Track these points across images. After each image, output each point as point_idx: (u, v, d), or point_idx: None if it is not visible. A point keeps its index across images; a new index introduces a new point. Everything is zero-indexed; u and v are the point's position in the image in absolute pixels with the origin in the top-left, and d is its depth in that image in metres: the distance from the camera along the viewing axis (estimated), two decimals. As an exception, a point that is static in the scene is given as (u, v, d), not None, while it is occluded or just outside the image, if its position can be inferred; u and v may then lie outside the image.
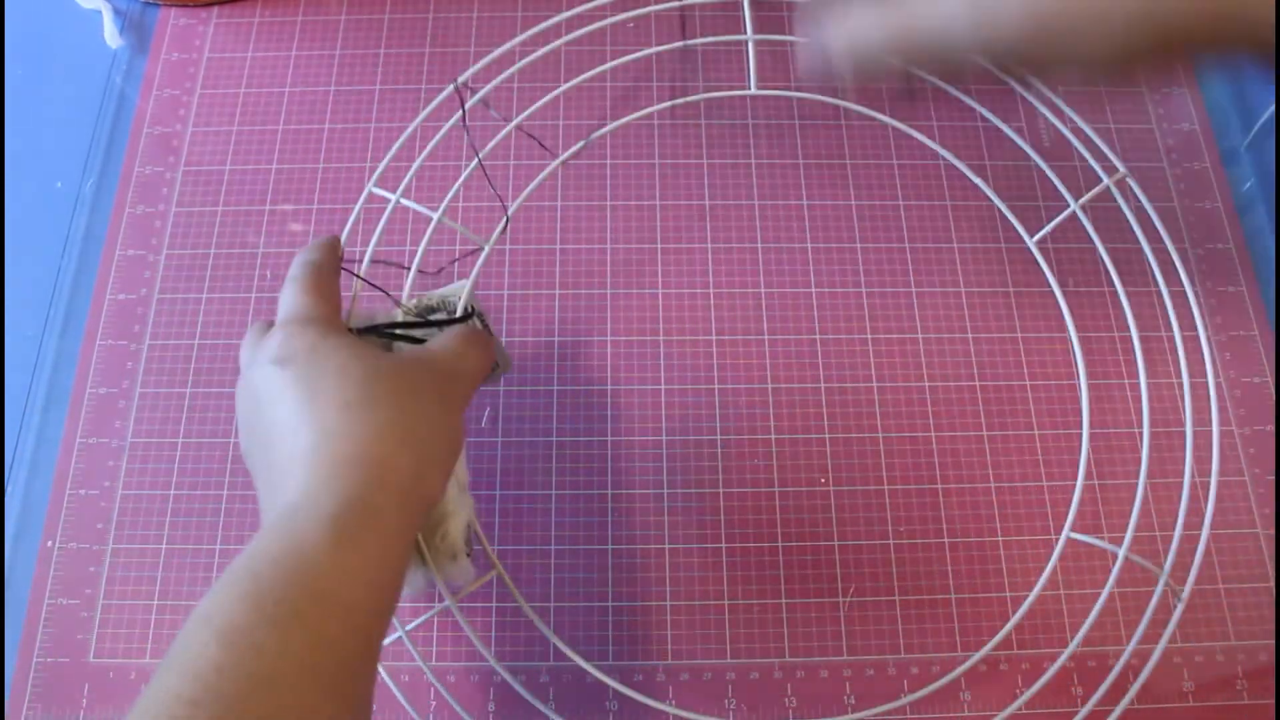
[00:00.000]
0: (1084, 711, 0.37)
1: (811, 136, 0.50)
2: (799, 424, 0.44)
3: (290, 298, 0.31)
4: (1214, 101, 0.52)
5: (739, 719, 0.39)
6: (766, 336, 0.46)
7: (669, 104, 0.41)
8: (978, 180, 0.44)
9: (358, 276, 0.35)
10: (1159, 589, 0.37)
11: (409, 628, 0.36)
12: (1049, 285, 0.42)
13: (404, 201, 0.37)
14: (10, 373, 0.45)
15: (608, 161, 0.49)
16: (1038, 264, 0.43)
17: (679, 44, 0.38)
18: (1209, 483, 0.39)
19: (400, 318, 0.35)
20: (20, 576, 0.41)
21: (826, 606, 0.41)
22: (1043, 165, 0.42)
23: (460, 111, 0.36)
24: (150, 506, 0.43)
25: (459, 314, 0.35)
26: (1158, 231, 0.41)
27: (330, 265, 0.33)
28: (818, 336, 0.46)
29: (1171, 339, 0.46)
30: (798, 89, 0.45)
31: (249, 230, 0.48)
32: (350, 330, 0.33)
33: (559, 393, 0.45)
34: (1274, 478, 0.43)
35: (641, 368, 0.45)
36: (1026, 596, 0.40)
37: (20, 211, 0.49)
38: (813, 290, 0.47)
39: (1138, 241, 0.41)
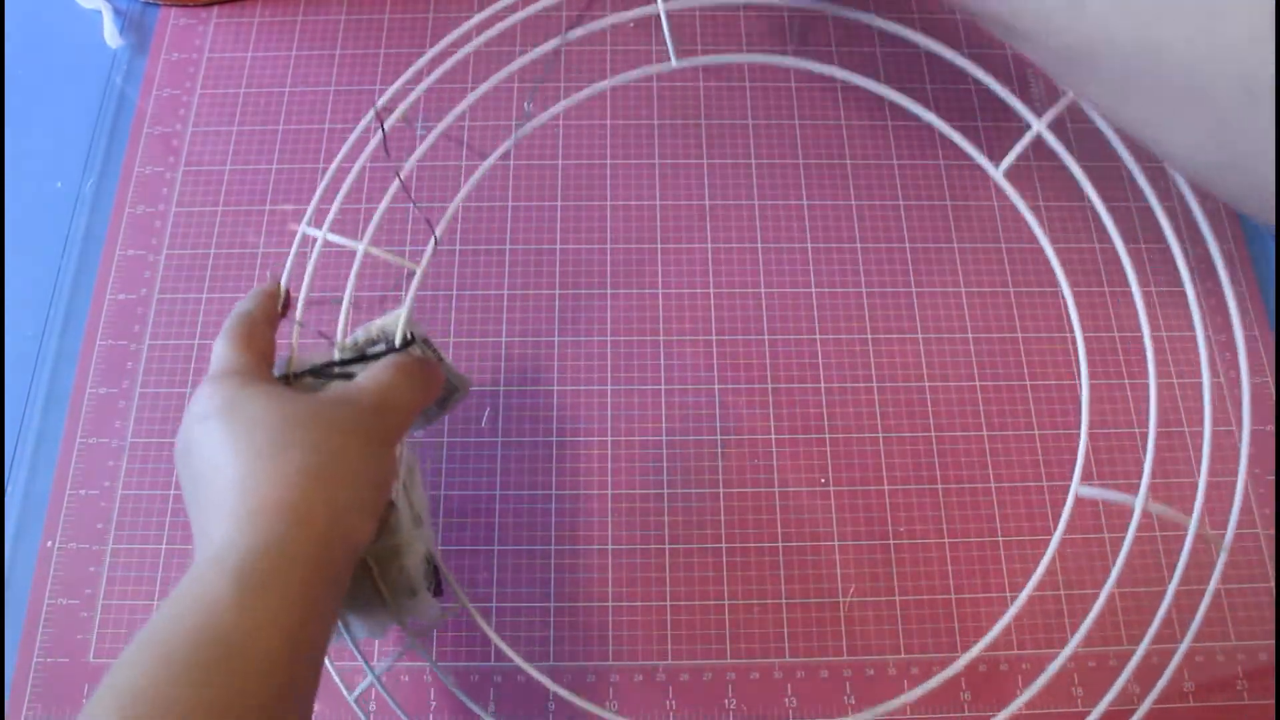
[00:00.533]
0: (1100, 708, 0.37)
1: (811, 136, 0.50)
2: (799, 424, 0.44)
3: (217, 350, 0.32)
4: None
5: (739, 719, 0.39)
6: (766, 336, 0.46)
7: (601, 85, 0.37)
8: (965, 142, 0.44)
9: (297, 323, 0.35)
10: (1188, 541, 0.36)
11: (378, 672, 0.36)
12: (1050, 285, 0.42)
13: (330, 236, 0.36)
14: (10, 373, 0.45)
15: (608, 161, 0.49)
16: (1044, 266, 0.43)
17: (556, 40, 0.36)
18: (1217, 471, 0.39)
19: (337, 356, 0.34)
20: (20, 576, 0.41)
21: (826, 606, 0.41)
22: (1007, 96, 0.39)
23: (379, 133, 0.35)
24: (150, 506, 0.43)
25: (397, 343, 0.34)
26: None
27: (263, 314, 0.33)
28: (818, 336, 0.46)
29: (1172, 338, 0.46)
30: (721, 53, 0.43)
31: (249, 230, 0.48)
32: (286, 377, 0.33)
33: (559, 393, 0.45)
34: (1274, 478, 0.43)
35: (641, 368, 0.45)
36: (1027, 596, 0.40)
37: (20, 211, 0.49)
38: (813, 290, 0.47)
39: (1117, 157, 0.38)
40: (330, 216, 0.36)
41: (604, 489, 0.43)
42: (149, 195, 0.49)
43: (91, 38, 0.53)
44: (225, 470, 0.27)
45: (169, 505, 0.43)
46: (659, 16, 0.35)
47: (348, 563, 0.28)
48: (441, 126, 0.36)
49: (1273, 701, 0.40)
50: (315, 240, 0.36)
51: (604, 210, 0.48)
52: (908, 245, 0.48)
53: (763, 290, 0.47)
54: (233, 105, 0.51)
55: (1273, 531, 0.42)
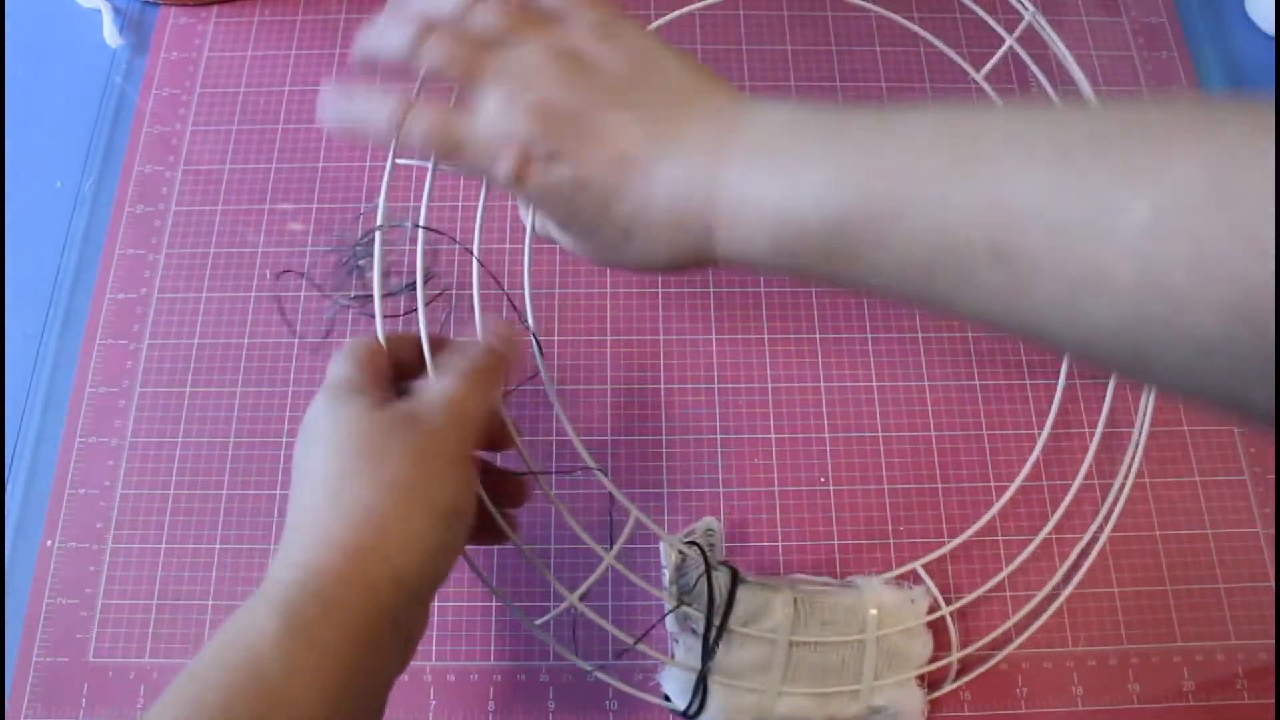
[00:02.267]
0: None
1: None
2: (799, 424, 0.44)
3: (331, 364, 0.30)
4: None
5: (739, 719, 0.39)
6: (766, 336, 0.46)
7: None
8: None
9: (419, 226, 0.32)
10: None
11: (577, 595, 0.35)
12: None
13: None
14: (10, 372, 0.45)
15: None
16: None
17: None
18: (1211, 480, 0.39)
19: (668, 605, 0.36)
20: (20, 576, 0.41)
21: (826, 606, 0.41)
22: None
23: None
24: (150, 506, 0.43)
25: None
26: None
27: (378, 345, 0.31)
28: (818, 336, 0.46)
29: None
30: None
31: (249, 230, 0.48)
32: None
33: (559, 393, 0.45)
34: (1274, 478, 0.43)
35: (641, 368, 0.45)
36: (1026, 596, 0.40)
37: (20, 211, 0.49)
38: (813, 290, 0.47)
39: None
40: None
41: (604, 488, 0.43)
42: (149, 195, 0.49)
43: (91, 37, 0.53)
44: (304, 493, 0.27)
45: (168, 504, 0.43)
46: None
47: (408, 604, 0.27)
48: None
49: (1273, 701, 0.40)
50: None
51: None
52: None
53: (763, 290, 0.47)
54: (232, 105, 0.51)
55: (1273, 531, 0.42)
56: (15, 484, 0.43)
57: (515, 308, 0.35)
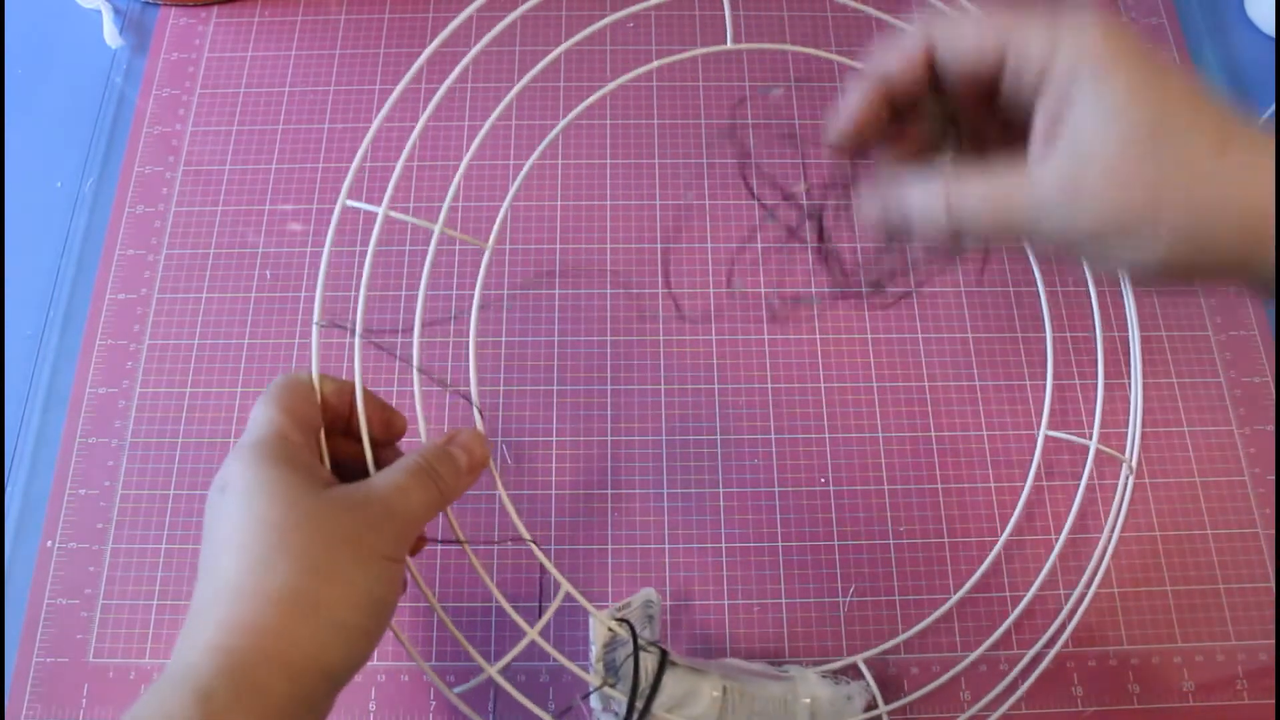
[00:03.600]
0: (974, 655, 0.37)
1: (812, 136, 0.50)
2: (799, 424, 0.44)
3: (254, 412, 0.29)
4: (1214, 101, 0.52)
5: (739, 719, 0.39)
6: (767, 336, 0.46)
7: (646, 67, 0.37)
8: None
9: (316, 323, 0.32)
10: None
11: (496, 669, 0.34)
12: (1048, 284, 0.42)
13: (393, 214, 0.33)
14: (10, 372, 0.45)
15: (608, 162, 0.49)
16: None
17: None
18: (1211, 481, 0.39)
19: (593, 682, 0.34)
20: (20, 576, 0.41)
21: (826, 606, 0.41)
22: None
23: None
24: (150, 506, 0.43)
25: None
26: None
27: (308, 378, 0.30)
28: (818, 336, 0.46)
29: (1171, 338, 0.46)
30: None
31: (249, 230, 0.48)
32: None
33: (559, 392, 0.45)
34: (1274, 478, 0.43)
35: (641, 368, 0.45)
36: (1026, 596, 0.40)
37: (20, 211, 0.49)
38: (813, 290, 0.47)
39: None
40: (390, 189, 0.34)
41: (604, 489, 0.43)
42: (149, 195, 0.49)
43: (91, 38, 0.53)
44: (223, 564, 0.26)
45: (169, 505, 0.43)
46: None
47: (328, 692, 0.26)
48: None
49: (1273, 701, 0.40)
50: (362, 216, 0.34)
51: (604, 210, 0.48)
52: (908, 246, 0.48)
53: (763, 290, 0.47)
54: (232, 105, 0.51)
55: (1273, 531, 0.42)
56: (15, 484, 0.43)
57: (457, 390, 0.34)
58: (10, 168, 0.50)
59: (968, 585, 0.40)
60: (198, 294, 0.47)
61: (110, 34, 0.53)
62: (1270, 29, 0.53)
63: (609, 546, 0.42)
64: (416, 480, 0.29)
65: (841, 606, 0.41)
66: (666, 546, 0.42)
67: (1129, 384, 0.44)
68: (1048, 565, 0.40)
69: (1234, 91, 0.52)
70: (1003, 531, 0.42)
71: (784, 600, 0.41)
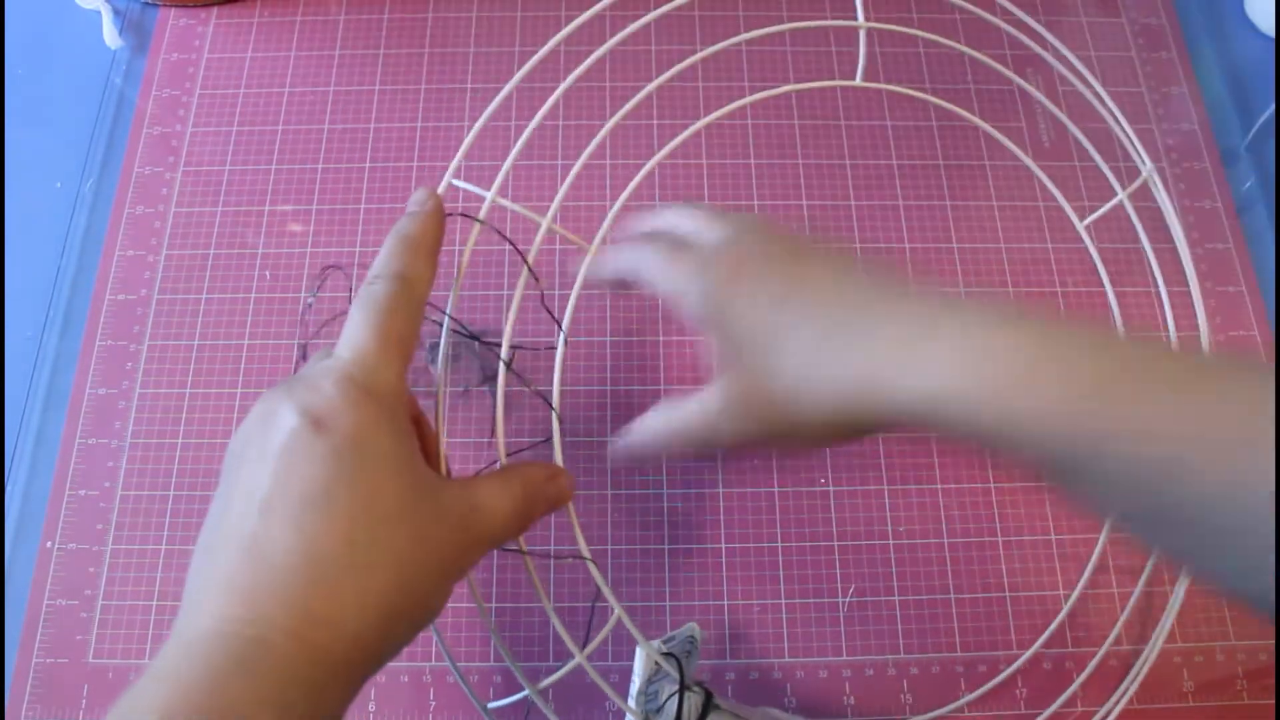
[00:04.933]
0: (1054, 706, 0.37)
1: (811, 138, 0.50)
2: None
3: (350, 329, 0.25)
4: (1214, 101, 0.52)
5: (739, 719, 0.39)
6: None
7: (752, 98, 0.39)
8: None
9: (448, 315, 0.32)
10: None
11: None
12: (1051, 285, 0.42)
13: (501, 201, 0.33)
14: (10, 373, 0.45)
15: (607, 162, 0.49)
16: (1072, 261, 0.43)
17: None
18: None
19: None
20: (20, 577, 0.41)
21: (826, 606, 0.41)
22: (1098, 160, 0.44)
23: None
24: (150, 507, 0.43)
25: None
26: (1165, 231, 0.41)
27: (420, 277, 0.27)
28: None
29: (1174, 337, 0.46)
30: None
31: (249, 230, 0.48)
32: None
33: (559, 393, 0.45)
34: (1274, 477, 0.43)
35: (641, 368, 0.45)
36: (1025, 596, 0.40)
37: (20, 211, 0.49)
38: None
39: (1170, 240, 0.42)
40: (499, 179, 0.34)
41: (603, 489, 0.43)
42: (148, 195, 0.49)
43: (91, 38, 0.53)
44: (307, 523, 0.22)
45: (168, 505, 0.43)
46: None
47: (347, 701, 0.24)
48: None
49: (1273, 701, 0.40)
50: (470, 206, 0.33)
51: (602, 210, 0.48)
52: (907, 246, 0.48)
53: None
54: (232, 105, 0.51)
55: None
56: (15, 485, 0.43)
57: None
58: (10, 168, 0.50)
59: (1039, 642, 0.40)
60: (197, 294, 0.47)
61: (110, 35, 0.53)
62: (1270, 29, 0.53)
63: (608, 547, 0.42)
64: (516, 514, 0.27)
65: (841, 607, 0.41)
66: (666, 547, 0.42)
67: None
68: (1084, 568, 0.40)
69: (1233, 91, 0.52)
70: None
71: (784, 600, 0.41)
